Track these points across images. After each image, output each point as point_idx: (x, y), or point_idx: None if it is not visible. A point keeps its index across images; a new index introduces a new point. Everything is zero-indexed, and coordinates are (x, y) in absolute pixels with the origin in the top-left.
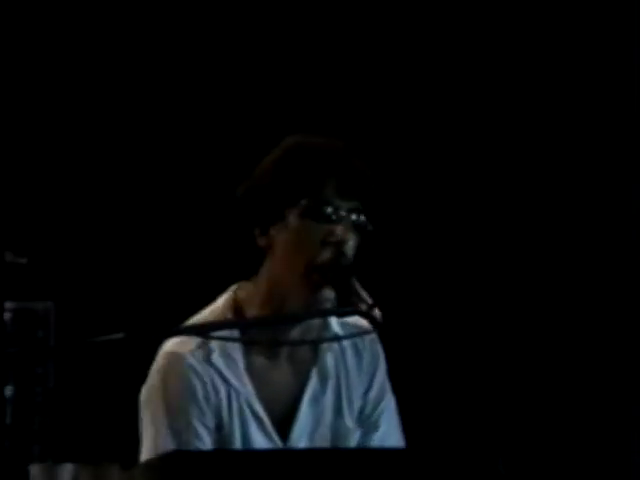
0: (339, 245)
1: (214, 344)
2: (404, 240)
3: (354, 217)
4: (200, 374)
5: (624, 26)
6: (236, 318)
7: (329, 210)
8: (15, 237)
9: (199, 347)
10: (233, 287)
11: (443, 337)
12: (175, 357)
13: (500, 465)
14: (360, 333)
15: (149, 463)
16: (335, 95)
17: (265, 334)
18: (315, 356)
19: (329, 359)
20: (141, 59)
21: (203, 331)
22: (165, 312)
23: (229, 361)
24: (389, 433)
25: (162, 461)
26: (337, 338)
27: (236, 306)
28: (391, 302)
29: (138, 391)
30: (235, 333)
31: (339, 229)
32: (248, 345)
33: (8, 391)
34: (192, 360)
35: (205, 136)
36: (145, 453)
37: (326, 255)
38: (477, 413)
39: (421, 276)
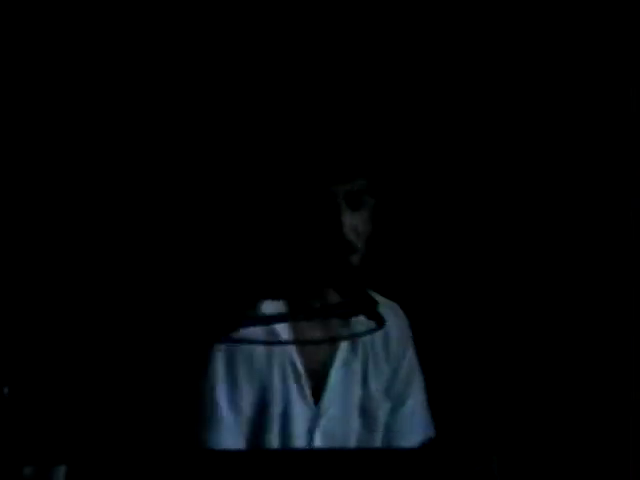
0: (342, 234)
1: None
2: (406, 239)
3: (351, 196)
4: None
5: (625, 28)
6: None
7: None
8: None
9: None
10: None
11: (439, 335)
12: None
13: (494, 465)
14: (368, 331)
15: (142, 463)
16: (334, 95)
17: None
18: (347, 322)
19: (359, 326)
20: (139, 59)
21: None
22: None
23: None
24: (415, 410)
25: (156, 461)
26: (353, 336)
27: None
28: (395, 299)
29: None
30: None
31: (343, 217)
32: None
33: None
34: None
35: (200, 138)
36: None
37: (331, 248)
38: (471, 412)
39: (421, 275)
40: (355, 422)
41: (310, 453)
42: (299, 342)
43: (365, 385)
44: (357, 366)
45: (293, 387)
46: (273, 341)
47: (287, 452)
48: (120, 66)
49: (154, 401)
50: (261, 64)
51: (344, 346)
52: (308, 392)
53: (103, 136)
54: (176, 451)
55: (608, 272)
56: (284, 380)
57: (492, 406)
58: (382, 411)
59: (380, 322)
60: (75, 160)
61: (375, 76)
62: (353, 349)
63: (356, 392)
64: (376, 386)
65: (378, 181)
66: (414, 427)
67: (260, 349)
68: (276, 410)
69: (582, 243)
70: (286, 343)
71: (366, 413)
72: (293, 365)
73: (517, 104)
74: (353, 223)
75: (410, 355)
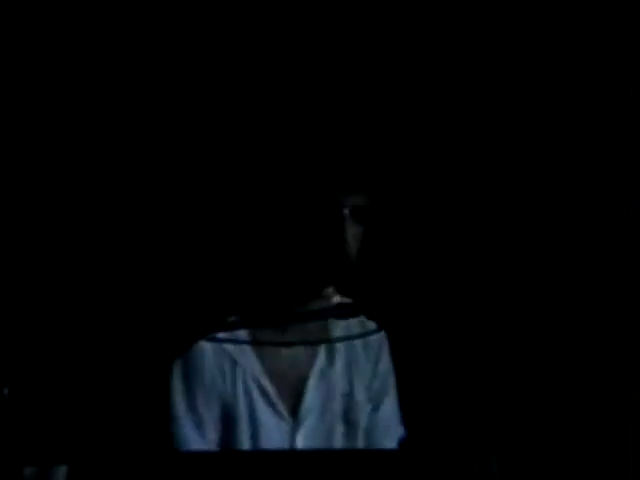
0: (345, 245)
1: None
2: (406, 239)
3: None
4: (207, 355)
5: (625, 28)
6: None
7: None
8: None
9: None
10: None
11: (438, 335)
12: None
13: (494, 465)
14: (363, 334)
15: (142, 463)
16: (332, 94)
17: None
18: (323, 330)
19: (337, 333)
20: (139, 60)
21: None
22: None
23: (233, 338)
24: (391, 410)
25: (149, 461)
26: (342, 339)
27: None
28: (392, 300)
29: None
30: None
31: (346, 228)
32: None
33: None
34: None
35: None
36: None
37: (331, 256)
38: (471, 412)
39: (421, 275)
40: (338, 431)
41: (308, 454)
42: (277, 344)
43: (350, 393)
44: (337, 376)
45: (263, 408)
46: (258, 342)
47: (284, 453)
48: (120, 67)
49: (153, 402)
50: (265, 69)
51: (321, 358)
52: (282, 408)
53: (99, 137)
54: (175, 451)
55: (608, 272)
56: (250, 403)
57: (491, 406)
58: (363, 415)
59: (378, 322)
60: (72, 161)
61: (383, 87)
62: (330, 360)
63: (338, 401)
64: (360, 390)
65: (381, 197)
66: (392, 427)
67: (219, 374)
68: (244, 429)
69: (582, 243)
70: (267, 344)
71: (349, 421)
72: (259, 385)
73: (517, 104)
74: (355, 235)
75: (387, 354)
